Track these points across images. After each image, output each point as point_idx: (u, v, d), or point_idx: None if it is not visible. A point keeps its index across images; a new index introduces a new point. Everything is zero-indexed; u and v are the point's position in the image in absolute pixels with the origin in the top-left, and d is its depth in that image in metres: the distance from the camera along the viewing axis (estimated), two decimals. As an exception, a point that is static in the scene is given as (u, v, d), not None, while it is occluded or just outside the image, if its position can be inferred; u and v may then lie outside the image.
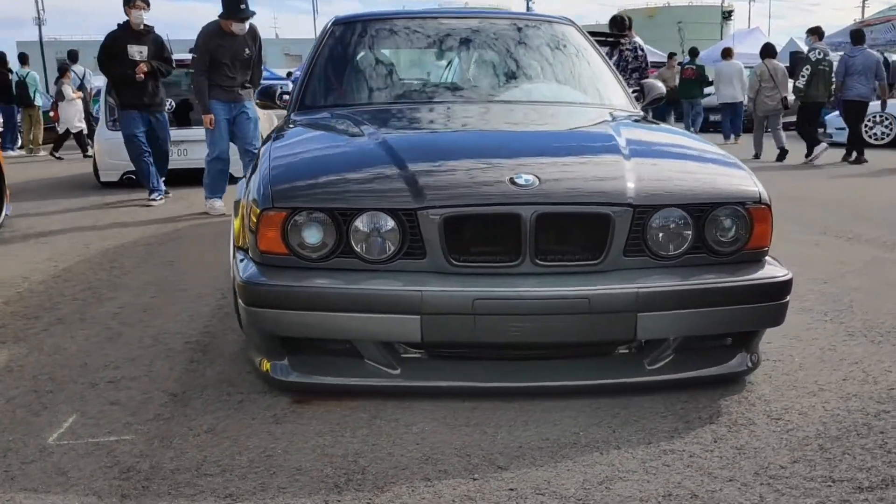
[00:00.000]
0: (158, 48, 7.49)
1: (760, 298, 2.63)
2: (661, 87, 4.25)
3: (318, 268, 2.55)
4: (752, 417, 2.52)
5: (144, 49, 7.35)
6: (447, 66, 4.29)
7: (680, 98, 15.45)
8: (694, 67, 15.62)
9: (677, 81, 15.47)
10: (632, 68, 9.79)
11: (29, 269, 4.70)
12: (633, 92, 4.24)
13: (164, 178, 7.86)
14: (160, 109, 7.60)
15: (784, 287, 2.65)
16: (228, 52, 6.68)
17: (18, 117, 15.33)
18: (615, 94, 4.01)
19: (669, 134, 3.38)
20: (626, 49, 9.93)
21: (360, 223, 2.51)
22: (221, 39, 6.66)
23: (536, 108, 3.69)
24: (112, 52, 7.35)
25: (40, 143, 15.02)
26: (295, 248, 2.54)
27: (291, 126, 3.39)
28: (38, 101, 14.99)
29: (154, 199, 7.55)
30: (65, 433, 2.43)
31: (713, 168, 2.84)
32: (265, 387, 2.72)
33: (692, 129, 15.45)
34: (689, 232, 2.60)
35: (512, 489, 2.07)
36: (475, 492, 2.05)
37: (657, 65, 19.28)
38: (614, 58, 9.87)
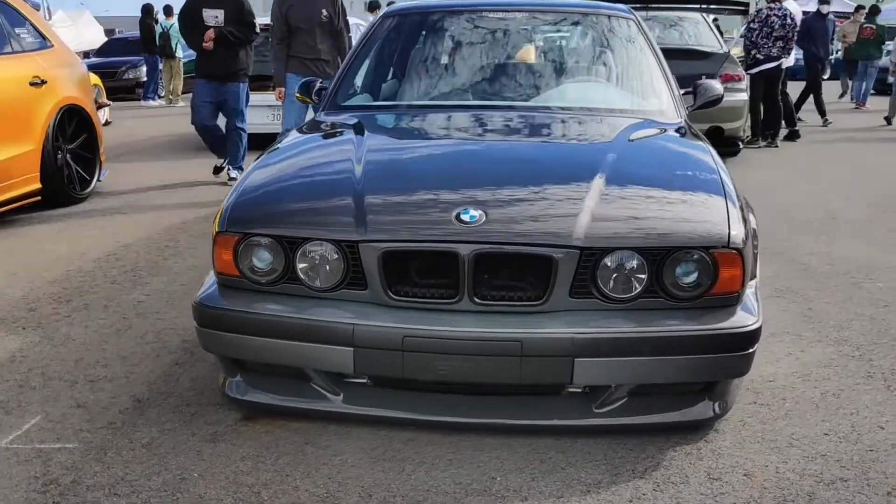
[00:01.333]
0: (237, 11, 6.62)
1: (717, 349, 2.46)
2: (718, 89, 3.97)
3: (268, 292, 2.58)
4: (690, 475, 2.39)
5: (220, 13, 6.56)
6: (490, 64, 4.18)
7: (855, 58, 14.56)
8: (874, 27, 14.59)
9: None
10: (776, 36, 9.26)
11: (90, 245, 4.98)
12: (685, 92, 4.01)
13: (238, 168, 6.96)
14: (235, 79, 6.72)
15: (747, 338, 2.47)
16: (302, 14, 6.16)
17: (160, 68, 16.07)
18: (659, 98, 3.79)
19: (672, 158, 3.14)
20: (774, 15, 9.37)
21: (305, 252, 2.51)
22: (295, 1, 6.18)
23: (557, 118, 3.53)
24: (189, 19, 6.69)
25: (179, 93, 15.73)
26: (245, 271, 2.58)
27: (289, 139, 3.39)
28: (179, 53, 15.64)
29: (231, 173, 6.98)
30: (20, 436, 2.59)
31: (688, 205, 2.64)
32: (223, 400, 2.79)
33: (862, 91, 14.73)
34: (644, 276, 2.45)
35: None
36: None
37: (842, 15, 18.13)
38: (756, 24, 9.35)
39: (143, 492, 2.27)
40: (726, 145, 8.28)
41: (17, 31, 5.91)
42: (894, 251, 4.95)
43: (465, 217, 2.45)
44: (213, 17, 6.55)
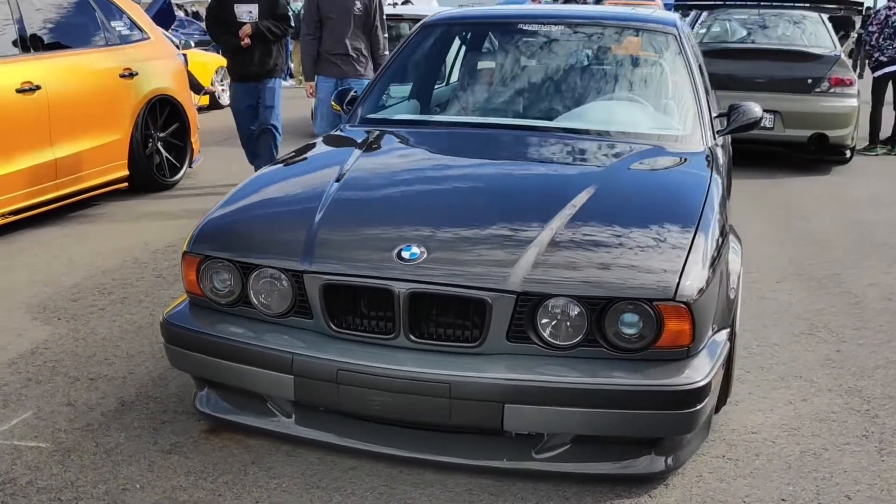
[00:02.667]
0: (271, 4, 6.12)
1: (657, 405, 2.39)
2: (755, 112, 3.77)
3: (227, 313, 2.69)
4: (611, 535, 2.34)
5: (254, 7, 6.06)
6: (518, 80, 4.14)
7: None
8: None
9: None
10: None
11: (156, 234, 5.27)
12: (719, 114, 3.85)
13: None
14: (271, 75, 6.27)
15: (690, 397, 2.39)
16: (335, 6, 5.77)
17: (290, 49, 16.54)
18: (685, 122, 3.66)
19: (656, 195, 3.01)
20: (895, 14, 8.81)
21: (257, 278, 2.61)
22: None
23: (562, 143, 3.48)
24: (219, 16, 6.18)
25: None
26: (207, 291, 2.70)
27: (287, 158, 3.48)
28: None
29: None
30: (4, 431, 2.82)
31: (644, 252, 2.55)
32: (194, 411, 2.94)
33: None
34: (584, 324, 2.41)
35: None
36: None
37: None
38: (875, 26, 8.79)
39: (83, 499, 2.44)
40: (831, 153, 7.84)
41: (114, 24, 6.27)
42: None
43: (405, 254, 2.48)
44: (247, 12, 6.06)
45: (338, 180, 2.95)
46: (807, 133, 7.62)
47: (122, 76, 6.10)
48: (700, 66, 4.05)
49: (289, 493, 2.50)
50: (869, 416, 3.09)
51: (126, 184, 6.29)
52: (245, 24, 5.99)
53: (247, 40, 5.99)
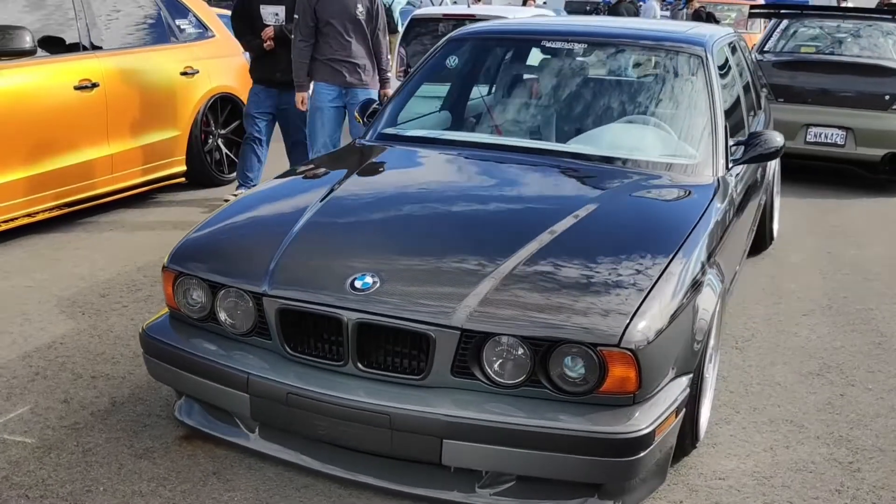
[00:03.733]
0: (293, 7, 5.64)
1: (596, 451, 2.39)
2: (776, 142, 3.64)
3: (200, 328, 2.82)
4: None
5: (281, 10, 5.73)
6: (534, 100, 4.14)
7: None
8: None
9: None
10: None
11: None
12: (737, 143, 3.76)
13: None
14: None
15: (629, 445, 2.38)
16: (335, 7, 5.30)
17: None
18: (698, 150, 3.60)
19: (635, 231, 2.95)
20: None
21: (224, 297, 2.73)
22: None
23: (561, 170, 3.47)
24: (244, 16, 5.88)
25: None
26: (181, 307, 2.84)
27: (282, 178, 3.58)
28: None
29: (233, 195, 5.88)
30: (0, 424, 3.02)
31: (599, 294, 2.53)
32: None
33: None
34: (528, 364, 2.43)
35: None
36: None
37: None
38: None
39: (49, 497, 2.61)
40: (906, 173, 7.50)
41: (178, 22, 6.52)
42: None
43: (357, 283, 2.55)
44: (273, 14, 5.74)
45: (313, 207, 3.04)
46: (880, 152, 7.30)
47: (183, 74, 6.34)
48: (739, 85, 3.98)
49: (235, 506, 2.61)
50: (850, 469, 2.99)
51: (184, 179, 6.54)
52: (270, 26, 5.72)
53: (269, 42, 5.68)
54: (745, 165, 3.79)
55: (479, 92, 4.40)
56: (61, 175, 5.36)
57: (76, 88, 5.41)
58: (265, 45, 5.71)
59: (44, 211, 5.31)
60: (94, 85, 5.52)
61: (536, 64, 4.30)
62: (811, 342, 4.11)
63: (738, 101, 4.32)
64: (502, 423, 2.39)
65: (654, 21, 5.67)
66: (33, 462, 2.80)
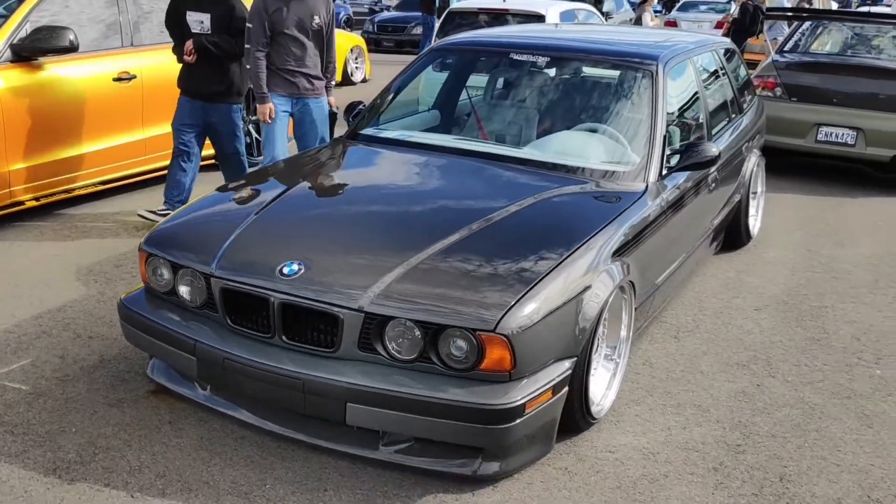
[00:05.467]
0: (226, 16, 5.39)
1: (473, 419, 2.80)
2: (711, 152, 3.90)
3: (166, 300, 3.32)
4: (410, 522, 2.79)
5: (206, 18, 5.35)
6: (498, 105, 4.53)
7: None
8: None
9: None
10: None
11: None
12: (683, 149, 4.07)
13: None
14: (226, 100, 5.54)
15: (503, 414, 2.77)
16: (291, 18, 5.15)
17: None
18: (634, 157, 3.94)
19: (543, 231, 3.32)
20: None
21: (182, 275, 3.22)
22: (281, 1, 5.15)
23: (502, 173, 3.85)
24: (173, 21, 5.51)
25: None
26: (151, 282, 3.34)
27: (249, 177, 4.06)
28: None
29: (154, 213, 5.56)
30: (2, 373, 3.57)
31: (487, 285, 2.92)
32: (150, 373, 3.59)
33: None
34: (420, 344, 2.84)
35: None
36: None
37: None
38: None
39: (30, 435, 3.15)
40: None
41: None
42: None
43: (285, 270, 3.00)
44: (198, 21, 5.38)
45: (273, 201, 3.51)
46: (890, 153, 7.42)
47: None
48: (707, 94, 4.33)
49: (181, 450, 3.10)
50: (735, 451, 3.32)
51: (214, 160, 7.08)
52: (199, 35, 5.37)
53: (190, 56, 5.34)
54: (693, 172, 4.10)
55: (449, 99, 4.80)
56: (99, 156, 5.97)
57: (115, 80, 5.99)
58: (185, 58, 5.37)
59: (81, 188, 5.92)
60: (132, 77, 6.09)
61: (502, 75, 4.69)
62: (751, 335, 4.40)
63: (699, 109, 4.61)
64: (395, 392, 2.82)
65: (621, 32, 5.94)
66: (23, 406, 3.35)
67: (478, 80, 4.83)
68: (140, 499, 2.83)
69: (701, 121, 4.58)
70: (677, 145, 4.11)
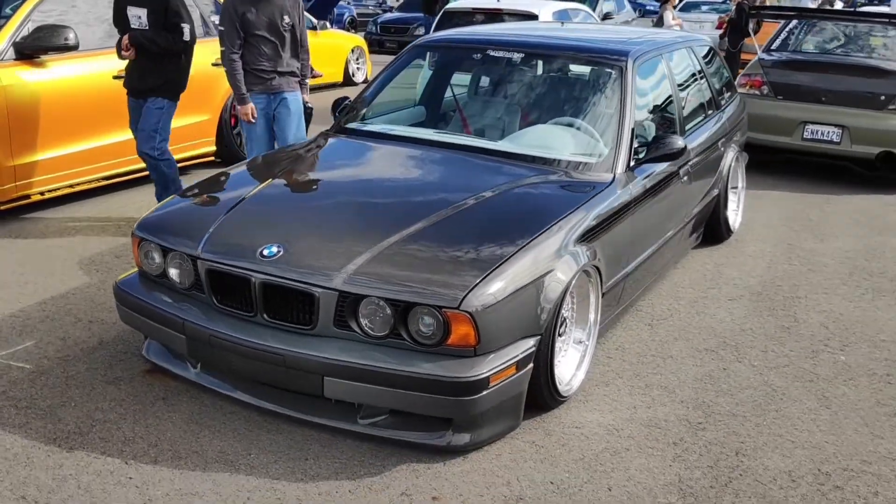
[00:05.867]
0: (160, 11, 5.25)
1: (439, 391, 3.00)
2: (677, 145, 4.09)
3: (158, 283, 3.54)
4: (391, 484, 2.99)
5: (143, 13, 5.22)
6: (475, 99, 4.75)
7: None
8: None
9: None
10: None
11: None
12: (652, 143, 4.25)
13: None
14: (155, 93, 5.41)
15: (468, 387, 2.98)
16: (261, 20, 5.23)
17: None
18: (603, 149, 4.12)
19: (510, 217, 3.52)
20: None
21: (171, 258, 3.43)
22: (250, 3, 5.21)
23: (476, 163, 4.06)
24: (117, 15, 5.44)
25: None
26: (143, 266, 3.56)
27: (250, 161, 4.29)
28: None
29: None
30: (9, 353, 3.81)
31: (454, 266, 3.12)
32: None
33: None
34: (391, 321, 3.05)
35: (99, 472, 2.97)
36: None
37: None
38: None
39: (32, 408, 3.38)
40: (902, 171, 7.75)
41: (214, 18, 7.27)
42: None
43: (265, 252, 3.22)
44: (136, 16, 5.26)
45: (259, 187, 3.73)
46: (875, 150, 7.58)
47: (215, 65, 7.06)
48: (680, 90, 4.55)
49: (173, 423, 3.32)
50: (696, 428, 3.51)
51: (213, 157, 7.33)
52: (132, 30, 5.26)
53: (127, 52, 5.28)
54: (664, 165, 4.30)
55: (429, 94, 5.03)
56: (101, 152, 6.20)
57: (115, 78, 6.21)
58: (122, 55, 5.32)
59: (83, 183, 6.16)
60: (133, 74, 6.32)
61: (480, 71, 4.92)
62: (723, 324, 4.59)
63: (671, 104, 4.80)
64: (369, 366, 3.02)
65: (595, 29, 6.15)
66: (27, 382, 3.57)
67: (458, 77, 5.05)
68: (133, 465, 3.04)
69: (673, 115, 4.77)
70: (649, 139, 4.30)
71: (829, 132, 7.65)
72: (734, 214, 6.01)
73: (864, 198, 7.52)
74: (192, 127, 6.95)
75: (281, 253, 3.21)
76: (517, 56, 4.67)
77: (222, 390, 3.42)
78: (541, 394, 3.41)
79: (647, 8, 28.44)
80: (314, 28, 12.30)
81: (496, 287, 3.05)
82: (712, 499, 3.04)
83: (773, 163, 8.26)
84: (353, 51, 13.27)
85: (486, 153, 4.16)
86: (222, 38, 5.27)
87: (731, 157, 5.65)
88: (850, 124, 7.56)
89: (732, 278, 5.28)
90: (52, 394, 3.50)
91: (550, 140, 4.26)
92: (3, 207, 5.67)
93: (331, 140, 4.49)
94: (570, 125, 4.37)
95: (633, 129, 4.15)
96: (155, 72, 5.35)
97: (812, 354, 4.26)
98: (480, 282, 3.04)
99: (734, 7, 12.69)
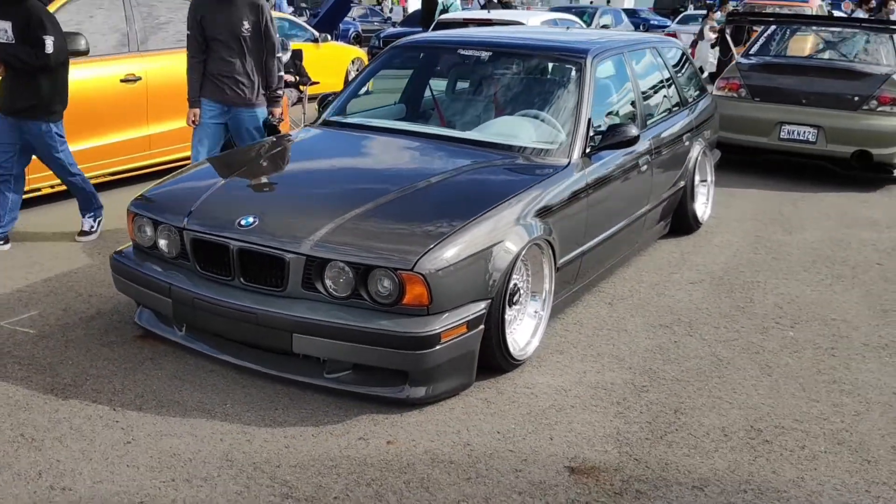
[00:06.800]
0: (24, 24, 4.93)
1: (395, 345, 3.33)
2: (630, 133, 4.39)
3: (150, 254, 3.90)
4: (351, 431, 3.31)
5: (8, 26, 4.93)
6: (453, 95, 5.14)
7: None
8: None
9: None
10: None
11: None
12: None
13: (92, 215, 5.63)
14: (34, 117, 5.09)
15: (420, 341, 3.30)
16: (220, 23, 5.22)
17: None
18: (561, 137, 4.47)
19: (468, 193, 3.87)
20: None
21: (161, 230, 3.79)
22: (211, 7, 5.20)
23: (440, 149, 4.42)
24: None
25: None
26: (137, 238, 3.92)
27: (231, 153, 4.67)
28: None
29: (84, 225, 5.59)
30: (14, 321, 4.18)
31: (409, 233, 3.45)
32: (141, 322, 4.16)
33: None
34: (353, 282, 3.39)
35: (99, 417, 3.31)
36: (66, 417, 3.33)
37: None
38: None
39: (34, 364, 3.74)
40: (877, 171, 8.02)
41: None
42: (875, 310, 4.99)
43: (242, 222, 3.57)
44: (3, 31, 4.96)
45: (245, 167, 4.12)
46: (849, 150, 7.85)
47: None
48: (641, 87, 5.01)
49: (159, 379, 3.67)
50: (639, 391, 3.81)
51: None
52: (2, 43, 4.98)
53: None
54: (623, 155, 4.64)
55: (406, 90, 5.41)
56: (107, 150, 6.60)
57: (122, 81, 6.62)
58: None
59: (91, 178, 6.52)
60: (138, 79, 6.73)
61: (453, 69, 5.31)
62: (680, 303, 4.89)
63: (630, 98, 5.14)
64: (332, 323, 3.36)
65: (563, 32, 6.52)
66: (30, 344, 3.94)
67: (435, 75, 5.43)
68: (120, 411, 3.39)
69: (633, 110, 5.10)
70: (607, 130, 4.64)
71: (805, 132, 7.94)
72: (703, 207, 6.31)
73: (838, 195, 7.80)
74: (188, 129, 7.30)
75: (256, 223, 3.56)
76: (485, 55, 5.03)
77: (204, 350, 3.76)
78: (494, 356, 3.72)
79: (652, 23, 28.73)
80: (316, 41, 12.77)
81: (449, 253, 3.39)
82: (646, 448, 3.34)
83: (752, 163, 8.56)
84: (353, 62, 13.81)
85: (456, 141, 4.51)
86: (187, 41, 5.40)
87: (697, 152, 5.96)
88: (826, 124, 7.85)
89: (696, 265, 5.57)
90: (52, 353, 3.85)
91: (516, 130, 4.60)
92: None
93: (312, 130, 4.87)
94: (536, 117, 4.71)
95: (589, 119, 4.48)
96: (26, 92, 5.01)
97: (762, 330, 4.55)
98: (434, 247, 3.38)
99: (725, 18, 13.03)
